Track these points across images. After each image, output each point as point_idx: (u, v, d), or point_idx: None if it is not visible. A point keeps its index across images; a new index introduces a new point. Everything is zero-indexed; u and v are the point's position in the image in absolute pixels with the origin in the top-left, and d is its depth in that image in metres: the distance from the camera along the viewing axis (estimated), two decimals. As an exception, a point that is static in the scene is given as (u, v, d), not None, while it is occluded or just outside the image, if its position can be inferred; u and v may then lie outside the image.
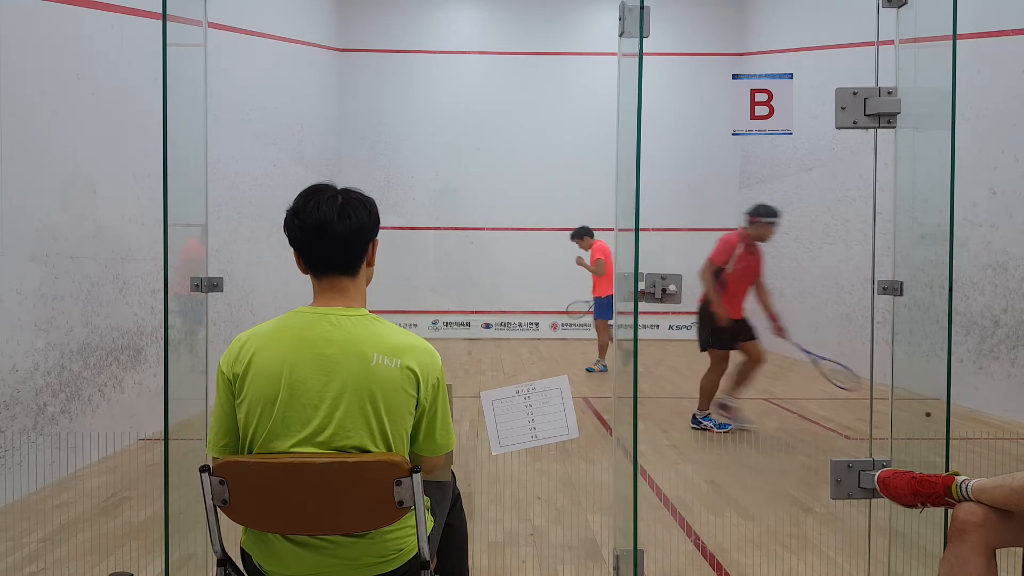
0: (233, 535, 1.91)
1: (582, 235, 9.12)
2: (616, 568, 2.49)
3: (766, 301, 6.02)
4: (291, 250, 1.89)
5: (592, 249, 9.03)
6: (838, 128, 2.32)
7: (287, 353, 1.77)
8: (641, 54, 2.28)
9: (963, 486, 1.98)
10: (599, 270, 8.91)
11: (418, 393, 1.81)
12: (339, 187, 1.89)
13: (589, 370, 9.11)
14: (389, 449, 1.78)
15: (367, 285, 1.95)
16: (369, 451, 1.76)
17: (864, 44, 7.77)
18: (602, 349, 9.22)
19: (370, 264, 1.92)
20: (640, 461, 3.77)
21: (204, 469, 1.74)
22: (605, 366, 9.05)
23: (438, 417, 1.87)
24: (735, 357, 6.01)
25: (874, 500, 2.38)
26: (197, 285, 2.55)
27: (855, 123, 2.30)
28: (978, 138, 6.80)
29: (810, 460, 5.05)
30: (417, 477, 1.71)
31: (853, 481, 2.35)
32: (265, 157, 8.66)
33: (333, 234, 1.80)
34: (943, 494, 2.01)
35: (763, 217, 5.93)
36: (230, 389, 1.81)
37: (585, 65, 12.85)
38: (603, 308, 9.10)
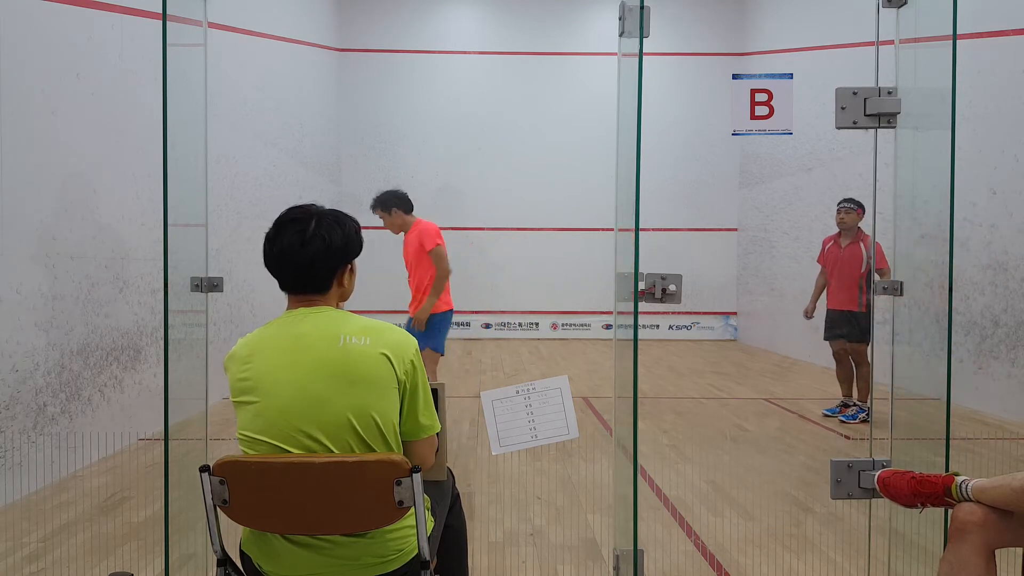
0: (233, 535, 1.91)
1: (409, 209, 5.24)
2: (616, 568, 2.49)
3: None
4: None
5: (418, 229, 5.17)
6: (838, 128, 2.32)
7: (263, 357, 1.81)
8: (641, 54, 2.28)
9: (963, 486, 1.98)
10: (442, 264, 5.11)
11: (395, 371, 1.82)
12: (323, 208, 1.95)
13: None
14: (377, 425, 1.79)
15: (341, 302, 1.99)
16: (356, 428, 1.77)
17: (864, 44, 7.78)
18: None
19: (341, 285, 1.96)
20: (640, 461, 3.77)
21: (204, 469, 1.74)
22: None
23: (419, 398, 1.88)
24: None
25: (874, 500, 2.38)
26: (197, 285, 2.55)
27: (855, 123, 2.30)
28: (978, 138, 6.81)
29: (810, 460, 5.05)
30: (417, 477, 1.72)
31: (853, 481, 2.35)
32: (265, 157, 8.66)
33: (296, 263, 1.87)
34: (943, 494, 2.01)
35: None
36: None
37: (585, 65, 12.85)
38: (436, 331, 5.16)
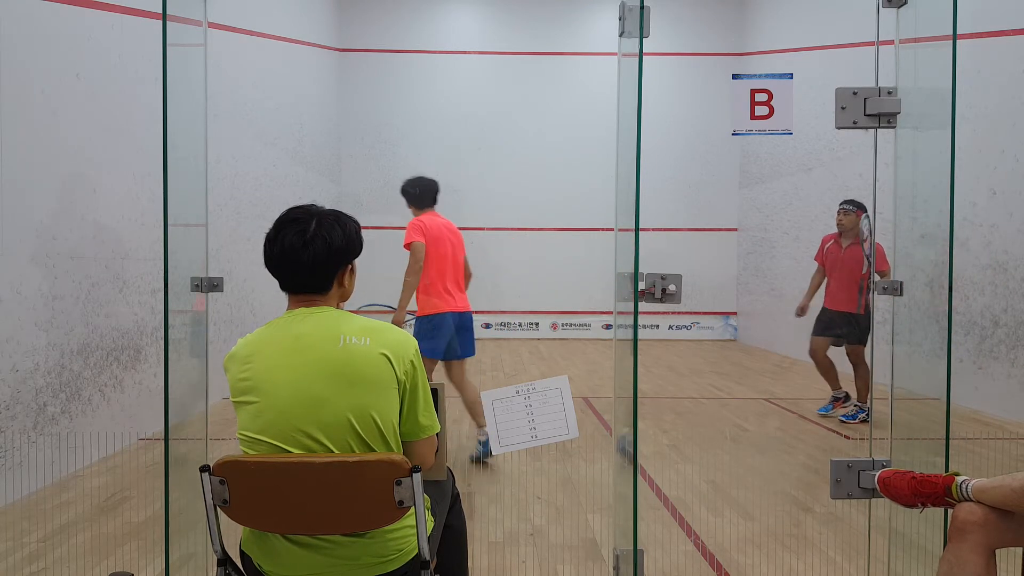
0: (233, 535, 1.91)
1: (416, 202, 4.95)
2: (616, 568, 2.49)
3: None
4: None
5: (409, 226, 4.84)
6: (838, 128, 2.32)
7: (263, 358, 1.81)
8: (641, 54, 2.28)
9: (963, 486, 1.98)
10: (409, 262, 4.76)
11: (395, 371, 1.82)
12: (324, 208, 1.94)
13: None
14: (376, 425, 1.79)
15: (342, 302, 1.99)
16: (356, 428, 1.77)
17: (864, 44, 7.77)
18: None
19: (342, 286, 1.96)
20: (640, 461, 3.77)
21: (204, 469, 1.74)
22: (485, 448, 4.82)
23: (419, 398, 1.88)
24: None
25: (874, 500, 2.38)
26: (197, 285, 2.55)
27: (855, 123, 2.30)
28: (978, 138, 6.80)
29: (810, 460, 5.05)
30: (417, 477, 1.72)
31: (853, 481, 2.35)
32: (265, 157, 8.66)
33: (298, 264, 1.86)
34: (943, 494, 2.01)
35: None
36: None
37: (585, 65, 12.85)
38: (424, 335, 4.80)
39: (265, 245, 1.90)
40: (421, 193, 4.94)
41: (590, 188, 12.16)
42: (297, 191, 9.55)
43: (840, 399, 6.32)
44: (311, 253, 1.85)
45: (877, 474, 2.22)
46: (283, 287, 1.92)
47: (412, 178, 5.01)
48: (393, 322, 4.56)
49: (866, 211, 6.17)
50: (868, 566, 2.63)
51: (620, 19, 2.37)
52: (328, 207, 1.97)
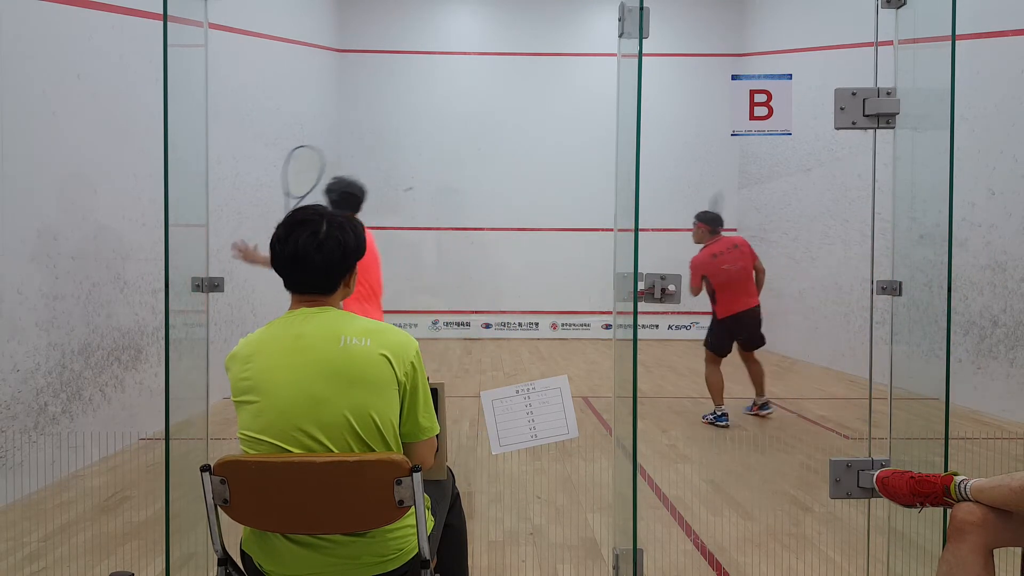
0: (234, 534, 1.92)
1: (350, 206, 4.53)
2: (616, 567, 2.50)
3: None
4: None
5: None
6: (837, 129, 2.33)
7: (264, 357, 1.82)
8: (640, 55, 2.29)
9: (962, 486, 1.99)
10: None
11: (395, 372, 1.82)
12: (329, 209, 1.95)
13: None
14: (376, 425, 1.79)
15: (342, 299, 1.99)
16: (355, 427, 1.77)
17: (863, 45, 7.77)
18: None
19: (347, 286, 1.96)
20: (640, 461, 3.77)
21: (205, 468, 1.75)
22: None
23: (419, 399, 1.89)
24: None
25: (873, 500, 2.39)
26: (198, 285, 2.55)
27: (854, 124, 2.31)
28: (977, 138, 6.81)
29: (809, 460, 5.05)
30: (417, 476, 1.72)
31: (852, 481, 2.36)
32: (265, 158, 8.66)
33: (311, 266, 1.87)
34: (942, 494, 2.02)
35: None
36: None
37: (585, 66, 12.85)
38: None
39: (274, 245, 1.90)
40: (340, 199, 4.46)
41: (590, 188, 12.16)
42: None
43: (762, 405, 6.47)
44: (325, 255, 1.86)
45: (876, 474, 2.23)
46: (288, 287, 1.92)
47: (334, 180, 4.57)
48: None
49: (707, 223, 6.81)
50: (867, 566, 2.64)
51: (620, 20, 2.38)
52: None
